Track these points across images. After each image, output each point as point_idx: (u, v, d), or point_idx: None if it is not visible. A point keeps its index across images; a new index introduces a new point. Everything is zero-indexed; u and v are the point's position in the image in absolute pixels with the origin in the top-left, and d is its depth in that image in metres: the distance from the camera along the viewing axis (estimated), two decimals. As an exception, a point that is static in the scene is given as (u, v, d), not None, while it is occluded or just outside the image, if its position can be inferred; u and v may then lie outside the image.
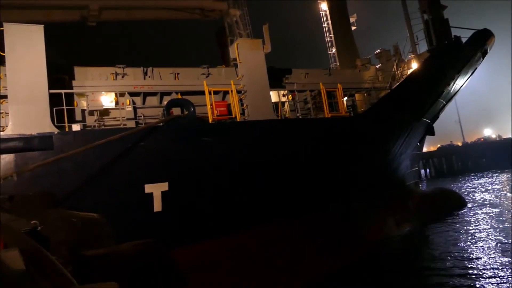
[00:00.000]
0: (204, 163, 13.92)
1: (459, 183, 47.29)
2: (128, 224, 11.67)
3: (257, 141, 15.01)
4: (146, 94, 15.82)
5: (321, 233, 16.27)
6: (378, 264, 16.46)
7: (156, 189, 13.09)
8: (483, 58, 23.48)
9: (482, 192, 35.13)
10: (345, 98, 20.30)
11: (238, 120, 15.38)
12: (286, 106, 18.18)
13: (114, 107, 14.81)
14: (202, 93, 15.62)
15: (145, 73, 16.29)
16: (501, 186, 38.43)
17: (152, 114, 15.58)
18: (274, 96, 17.37)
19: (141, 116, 15.26)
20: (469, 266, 14.46)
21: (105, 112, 14.79)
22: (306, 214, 15.94)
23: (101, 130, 13.53)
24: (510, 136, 79.64)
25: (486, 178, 48.56)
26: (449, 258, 15.78)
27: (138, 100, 15.70)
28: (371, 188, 19.40)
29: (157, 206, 12.97)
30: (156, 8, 19.60)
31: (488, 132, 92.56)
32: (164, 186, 13.18)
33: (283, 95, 18.14)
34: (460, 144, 76.19)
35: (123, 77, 15.73)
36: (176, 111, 14.66)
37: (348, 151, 17.47)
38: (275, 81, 17.92)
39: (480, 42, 22.46)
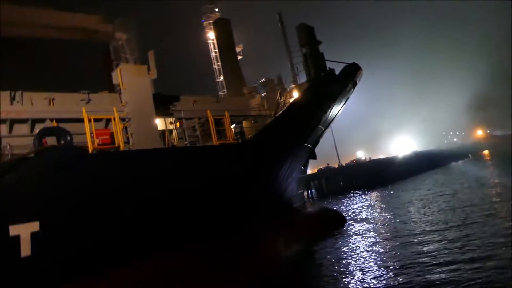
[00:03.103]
0: (81, 198, 12.64)
1: (338, 202, 51.26)
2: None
3: (142, 171, 14.24)
4: (13, 122, 14.01)
5: (216, 259, 15.97)
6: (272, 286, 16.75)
7: (23, 230, 11.44)
8: (353, 89, 26.19)
9: (358, 209, 38.48)
10: (233, 125, 20.65)
11: (122, 149, 14.49)
12: (174, 134, 17.77)
13: (-29, 136, 12.82)
14: (82, 120, 14.43)
15: (13, 98, 14.46)
16: (372, 203, 42.61)
17: (21, 144, 13.81)
18: (161, 124, 16.85)
19: (7, 146, 13.40)
20: (349, 278, 15.73)
21: (-41, 142, 12.70)
22: (198, 242, 15.52)
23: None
24: (380, 157, 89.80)
25: (359, 197, 53.46)
26: (334, 273, 16.80)
27: (3, 128, 13.79)
28: (262, 212, 19.78)
29: (26, 250, 11.30)
30: (34, 26, 17.76)
31: (360, 154, 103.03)
32: (35, 226, 11.62)
33: (171, 123, 17.71)
34: (336, 166, 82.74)
35: (-17, 102, 13.76)
36: (52, 140, 13.28)
37: (237, 177, 17.62)
38: (163, 108, 17.44)
39: (351, 74, 25.03)
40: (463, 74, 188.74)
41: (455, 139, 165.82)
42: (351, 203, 46.31)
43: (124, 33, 19.15)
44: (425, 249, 17.50)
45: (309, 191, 68.41)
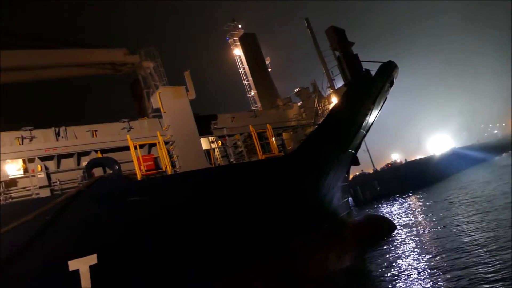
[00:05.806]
0: (137, 226, 12.40)
1: (377, 209, 49.35)
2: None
3: (193, 193, 13.89)
4: (60, 157, 13.95)
5: (268, 277, 15.37)
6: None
7: (82, 264, 11.33)
8: (391, 88, 25.19)
9: (402, 214, 36.92)
10: (273, 138, 20.19)
11: (169, 173, 14.20)
12: (217, 152, 17.43)
13: (22, 175, 12.78)
14: (124, 149, 14.33)
15: (58, 134, 14.50)
16: (414, 207, 40.92)
17: (69, 178, 13.72)
18: (204, 143, 16.56)
19: (56, 182, 13.32)
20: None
21: (12, 182, 12.67)
22: (254, 260, 15.01)
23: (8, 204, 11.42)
24: (417, 158, 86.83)
25: (398, 202, 51.26)
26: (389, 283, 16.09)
27: (51, 164, 13.74)
28: (311, 225, 19.09)
29: (86, 283, 11.19)
30: (63, 66, 18.01)
31: (396, 157, 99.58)
32: (92, 259, 11.48)
33: (212, 142, 17.41)
34: (371, 171, 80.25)
35: (31, 140, 13.83)
36: (98, 171, 13.16)
37: (287, 191, 17.06)
38: (202, 128, 17.17)
39: (387, 73, 24.10)
40: (502, 64, 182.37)
41: (495, 131, 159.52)
42: (391, 209, 44.53)
43: (151, 61, 19.23)
44: (476, 252, 16.75)
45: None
